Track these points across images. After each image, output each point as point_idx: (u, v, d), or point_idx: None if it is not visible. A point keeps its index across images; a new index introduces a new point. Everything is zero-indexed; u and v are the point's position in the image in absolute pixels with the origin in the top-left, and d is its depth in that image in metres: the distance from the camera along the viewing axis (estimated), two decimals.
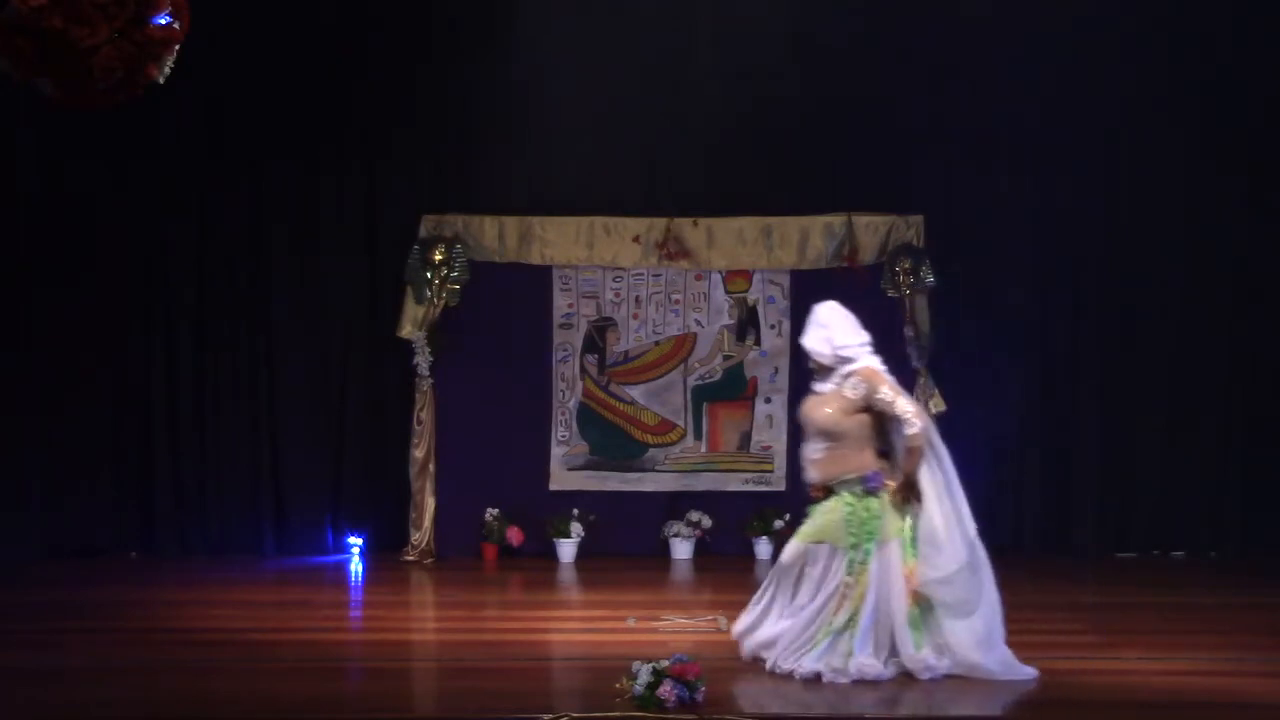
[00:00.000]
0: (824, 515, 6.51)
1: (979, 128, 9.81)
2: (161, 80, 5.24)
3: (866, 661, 6.32)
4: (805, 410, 6.69)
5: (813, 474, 6.59)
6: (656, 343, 10.01)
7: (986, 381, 9.84)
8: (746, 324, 10.00)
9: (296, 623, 7.65)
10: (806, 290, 9.91)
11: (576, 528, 9.66)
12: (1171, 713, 6.05)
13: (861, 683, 6.24)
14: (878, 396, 6.46)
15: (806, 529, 6.59)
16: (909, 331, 9.66)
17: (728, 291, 9.99)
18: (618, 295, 9.99)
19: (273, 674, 6.59)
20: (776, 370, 9.98)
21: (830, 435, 6.52)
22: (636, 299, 9.99)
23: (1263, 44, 9.70)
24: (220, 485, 9.87)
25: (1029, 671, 6.44)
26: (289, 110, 9.75)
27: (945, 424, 9.56)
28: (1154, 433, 9.92)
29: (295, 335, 9.89)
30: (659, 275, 9.97)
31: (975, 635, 6.45)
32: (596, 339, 9.98)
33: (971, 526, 6.54)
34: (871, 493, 6.46)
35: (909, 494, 6.44)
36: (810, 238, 9.86)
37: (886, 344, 9.53)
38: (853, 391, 6.50)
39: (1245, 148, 9.85)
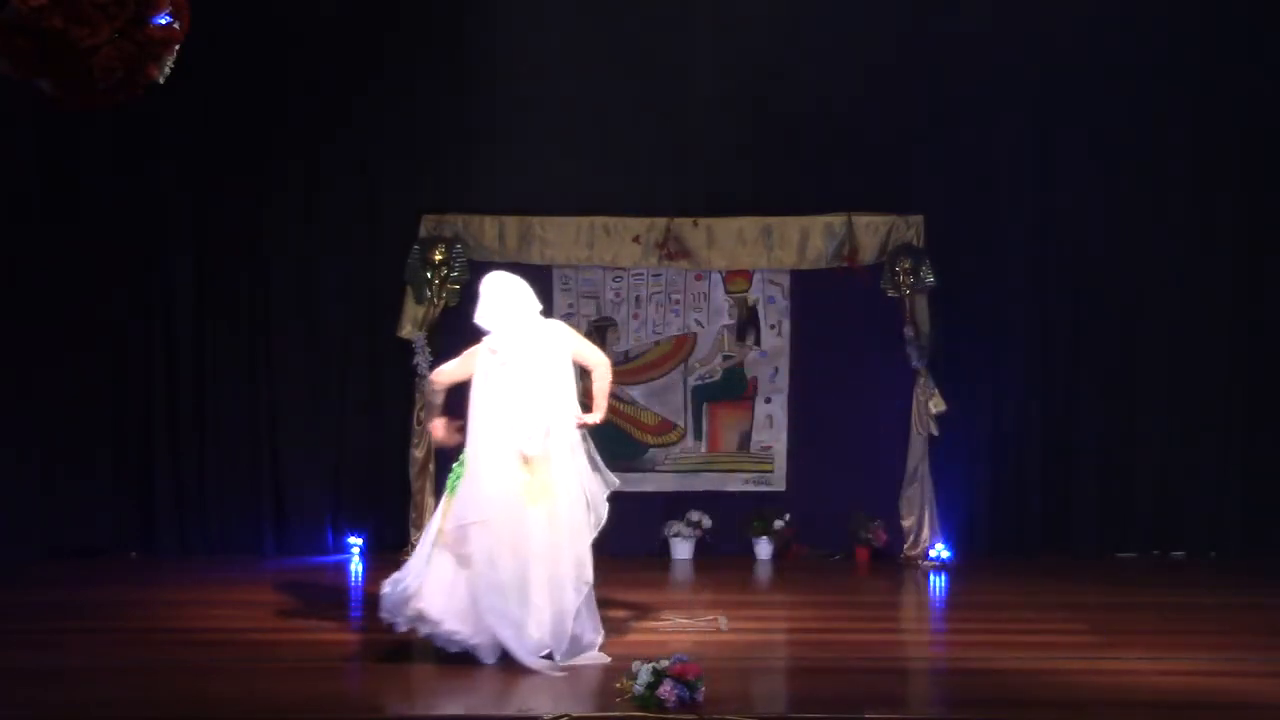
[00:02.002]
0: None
1: (979, 127, 9.82)
2: (161, 80, 5.24)
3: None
4: None
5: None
6: (656, 343, 10.01)
7: (987, 381, 9.85)
8: (746, 324, 10.00)
9: (296, 623, 7.64)
10: (806, 290, 9.95)
11: None
12: (1171, 713, 6.05)
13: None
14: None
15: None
16: (909, 331, 9.66)
17: (728, 291, 10.00)
18: (618, 295, 10.00)
19: (273, 674, 6.59)
20: (776, 370, 9.98)
21: None
22: (636, 299, 10.00)
23: (1262, 45, 9.70)
24: (220, 485, 9.88)
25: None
26: (289, 110, 9.75)
27: (946, 423, 9.66)
28: (1154, 433, 9.92)
29: (295, 335, 9.89)
30: (659, 275, 9.97)
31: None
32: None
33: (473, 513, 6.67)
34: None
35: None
36: (810, 238, 9.86)
37: (886, 344, 9.71)
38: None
39: (1245, 148, 9.85)
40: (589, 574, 6.71)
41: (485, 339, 6.84)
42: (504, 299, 6.85)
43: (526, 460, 6.67)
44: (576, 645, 6.63)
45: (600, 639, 6.76)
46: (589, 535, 6.78)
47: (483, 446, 6.69)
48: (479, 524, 6.57)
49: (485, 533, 6.57)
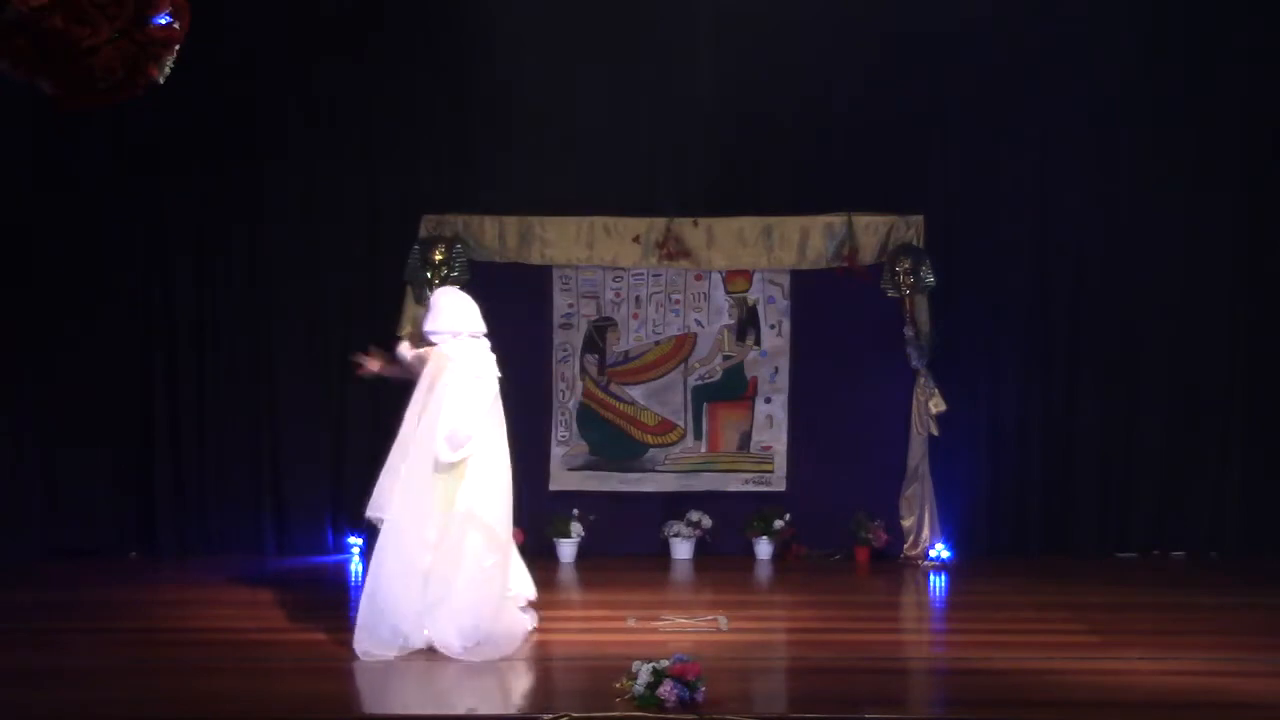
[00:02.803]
0: None
1: (979, 127, 9.82)
2: (161, 80, 5.24)
3: None
4: None
5: None
6: (656, 343, 10.01)
7: (986, 381, 9.85)
8: (746, 324, 10.00)
9: (296, 623, 7.65)
10: (806, 290, 9.95)
11: (576, 528, 9.66)
12: (1171, 713, 6.06)
13: None
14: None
15: None
16: (909, 331, 9.66)
17: (728, 291, 9.99)
18: (618, 295, 10.00)
19: (273, 674, 6.60)
20: (776, 370, 9.97)
21: None
22: (636, 299, 9.99)
23: (1263, 44, 9.71)
24: (220, 485, 9.88)
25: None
26: (288, 110, 9.76)
27: (946, 423, 9.65)
28: (1154, 432, 9.92)
29: (295, 335, 9.90)
30: (659, 275, 9.97)
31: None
32: (596, 339, 9.98)
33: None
34: None
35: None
36: (810, 238, 9.86)
37: (886, 344, 9.71)
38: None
39: (1245, 148, 9.85)
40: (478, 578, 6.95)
41: (432, 350, 7.09)
42: (450, 315, 7.08)
43: (440, 468, 6.91)
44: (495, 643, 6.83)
45: (510, 640, 6.94)
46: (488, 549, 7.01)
47: (411, 450, 6.93)
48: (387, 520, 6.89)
49: (391, 530, 6.86)
